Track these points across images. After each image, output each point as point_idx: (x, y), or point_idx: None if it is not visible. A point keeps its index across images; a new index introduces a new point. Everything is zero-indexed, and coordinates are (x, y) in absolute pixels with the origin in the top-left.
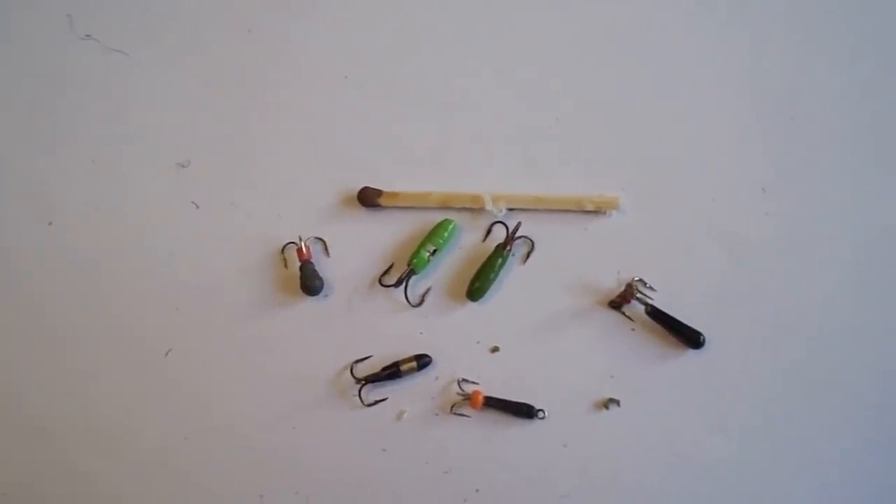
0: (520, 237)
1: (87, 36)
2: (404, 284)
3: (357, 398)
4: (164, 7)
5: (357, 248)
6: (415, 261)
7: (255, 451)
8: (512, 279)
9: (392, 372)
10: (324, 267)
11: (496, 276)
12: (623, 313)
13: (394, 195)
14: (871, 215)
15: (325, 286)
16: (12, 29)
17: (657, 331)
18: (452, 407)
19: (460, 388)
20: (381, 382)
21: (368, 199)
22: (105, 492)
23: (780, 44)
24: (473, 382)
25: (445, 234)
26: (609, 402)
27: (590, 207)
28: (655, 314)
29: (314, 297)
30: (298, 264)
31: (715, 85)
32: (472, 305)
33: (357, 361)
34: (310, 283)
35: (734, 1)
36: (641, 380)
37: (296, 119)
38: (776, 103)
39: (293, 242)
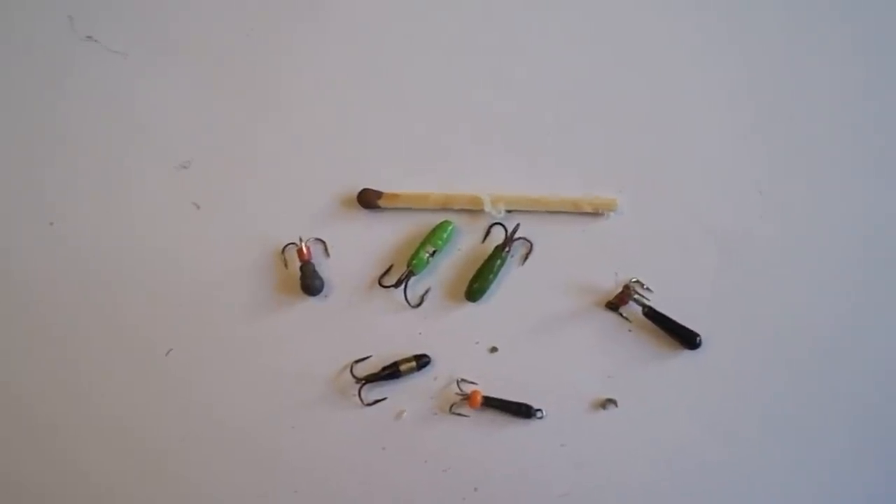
0: (518, 238)
1: (88, 37)
2: (404, 285)
3: (357, 398)
4: (165, 9)
5: (357, 248)
6: (414, 262)
7: (256, 449)
8: (510, 280)
9: (391, 372)
10: (324, 268)
11: (495, 276)
12: (620, 314)
13: (393, 196)
14: (868, 216)
15: (325, 286)
16: (13, 30)
17: (654, 331)
18: (451, 407)
19: (459, 387)
20: (381, 382)
21: (368, 200)
22: (105, 491)
23: (777, 45)
24: (472, 382)
25: (444, 236)
26: (607, 403)
27: (588, 209)
28: (652, 315)
29: (314, 298)
30: (299, 265)
31: (712, 87)
32: (470, 306)
33: (357, 361)
34: (310, 283)
35: (731, 3)
36: (639, 380)
37: (296, 120)
38: (773, 105)
39: (293, 243)
